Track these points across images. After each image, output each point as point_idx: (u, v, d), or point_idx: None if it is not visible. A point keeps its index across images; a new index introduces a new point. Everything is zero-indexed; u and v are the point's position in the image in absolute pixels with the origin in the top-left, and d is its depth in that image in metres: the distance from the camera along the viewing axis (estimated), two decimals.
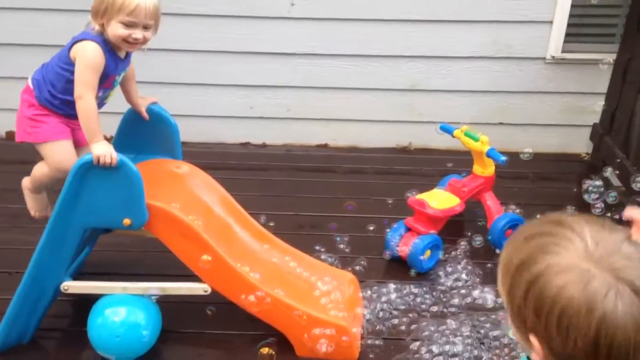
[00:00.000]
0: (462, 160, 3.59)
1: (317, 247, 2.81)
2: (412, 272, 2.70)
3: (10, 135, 3.94)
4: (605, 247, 0.94)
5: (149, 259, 2.74)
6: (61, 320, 2.47)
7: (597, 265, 0.92)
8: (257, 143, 3.99)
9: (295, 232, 3.02)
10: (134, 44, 2.09)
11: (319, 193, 3.46)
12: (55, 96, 2.17)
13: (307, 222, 3.18)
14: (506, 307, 1.02)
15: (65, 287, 2.19)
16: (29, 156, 3.67)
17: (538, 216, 3.15)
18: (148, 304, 2.21)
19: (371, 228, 3.03)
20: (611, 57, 3.54)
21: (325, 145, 4.00)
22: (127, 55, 2.21)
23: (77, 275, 2.40)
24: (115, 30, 2.04)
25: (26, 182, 2.42)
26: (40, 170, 2.32)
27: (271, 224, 2.85)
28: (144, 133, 2.34)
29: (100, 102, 2.22)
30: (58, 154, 2.22)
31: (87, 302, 2.39)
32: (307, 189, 3.50)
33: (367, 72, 3.82)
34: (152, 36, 2.12)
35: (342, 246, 2.87)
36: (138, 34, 2.06)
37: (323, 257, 2.74)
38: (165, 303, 2.33)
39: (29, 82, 2.21)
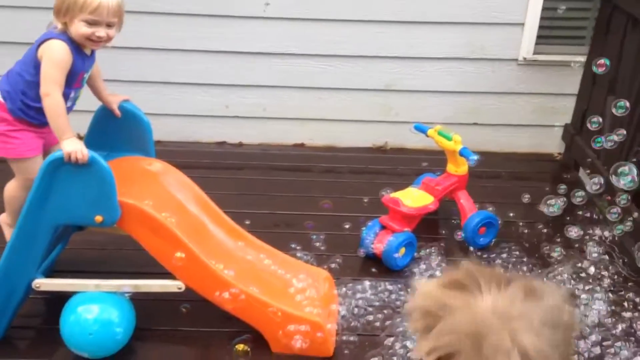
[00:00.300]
0: (436, 160, 3.63)
1: (293, 245, 2.82)
2: (374, 270, 2.73)
3: None
4: (508, 304, 1.00)
5: (123, 257, 2.73)
6: (33, 319, 2.45)
7: (500, 321, 0.98)
8: (233, 142, 3.99)
9: (272, 230, 3.03)
10: (98, 42, 2.08)
11: (295, 192, 3.47)
12: (29, 105, 2.13)
13: (283, 220, 3.19)
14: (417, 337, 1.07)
15: (37, 285, 2.17)
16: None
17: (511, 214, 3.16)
18: (121, 301, 2.20)
19: (347, 226, 3.05)
20: (583, 58, 3.63)
21: (302, 145, 4.01)
22: (92, 52, 2.19)
23: (50, 274, 2.37)
24: (78, 28, 2.03)
25: (4, 217, 2.38)
26: (11, 187, 2.28)
27: (247, 222, 2.86)
28: (115, 131, 2.33)
29: (73, 104, 2.20)
30: (32, 170, 2.16)
31: (59, 300, 2.37)
32: (283, 188, 3.51)
33: (343, 72, 3.84)
34: (116, 34, 2.11)
35: (317, 244, 2.88)
36: (101, 32, 2.04)
37: (299, 254, 2.74)
38: (140, 300, 2.32)
39: None
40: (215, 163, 3.75)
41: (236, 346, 2.22)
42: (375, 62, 3.82)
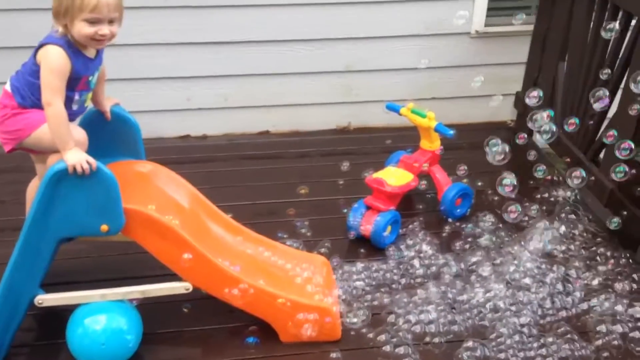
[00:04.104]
0: (399, 137, 3.74)
1: (280, 234, 2.85)
2: (362, 250, 2.81)
3: None
4: None
5: (110, 263, 2.69)
6: (27, 335, 2.36)
7: None
8: (198, 135, 3.94)
9: (255, 220, 3.02)
10: (102, 40, 2.01)
11: (270, 180, 3.48)
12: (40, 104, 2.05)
13: (263, 210, 3.19)
14: None
15: (40, 301, 2.11)
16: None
17: (479, 183, 3.36)
18: (127, 308, 2.17)
19: (328, 209, 3.10)
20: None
21: (267, 132, 4.01)
22: (98, 54, 2.13)
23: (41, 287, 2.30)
24: (80, 29, 1.96)
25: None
26: (35, 185, 2.17)
27: (230, 215, 2.85)
28: (105, 135, 2.28)
29: (81, 106, 2.14)
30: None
31: (50, 314, 2.32)
32: (257, 176, 3.51)
33: (302, 56, 3.85)
34: (118, 29, 2.05)
35: (303, 230, 2.92)
36: (104, 29, 1.98)
37: (288, 243, 2.77)
38: (140, 305, 2.30)
39: (7, 88, 2.09)
40: (181, 157, 3.70)
41: None
42: (333, 44, 3.86)
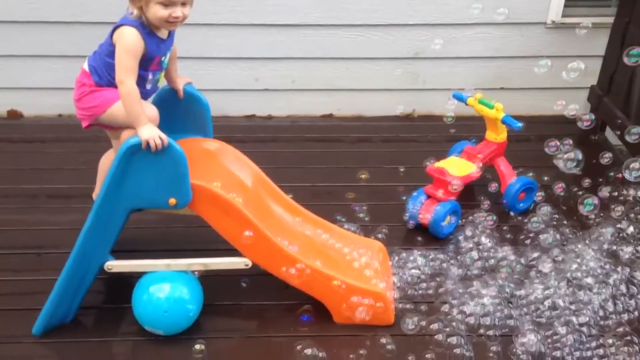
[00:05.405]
0: (464, 126, 3.64)
1: (338, 217, 2.88)
2: (419, 238, 2.78)
3: (11, 114, 3.88)
4: None
5: (176, 235, 2.80)
6: (96, 297, 2.50)
7: None
8: (263, 115, 4.01)
9: (314, 202, 3.05)
10: (175, 22, 2.09)
11: (331, 163, 3.51)
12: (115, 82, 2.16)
13: (323, 192, 3.23)
14: None
15: (109, 267, 2.22)
16: (33, 134, 3.61)
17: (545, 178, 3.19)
18: (189, 279, 2.26)
19: (387, 196, 3.10)
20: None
21: (330, 116, 4.04)
22: (170, 34, 2.21)
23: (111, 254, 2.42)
24: (156, 11, 2.04)
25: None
26: (110, 158, 2.28)
27: (290, 196, 2.90)
28: (176, 112, 2.36)
29: (154, 85, 2.23)
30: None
31: (118, 280, 2.44)
32: (318, 159, 3.55)
33: (370, 42, 3.85)
34: (189, 11, 2.13)
35: (361, 215, 2.94)
36: (178, 11, 2.07)
37: (345, 226, 2.79)
38: (201, 277, 2.38)
39: (85, 67, 2.22)
40: (246, 137, 3.77)
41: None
42: (403, 30, 3.83)
